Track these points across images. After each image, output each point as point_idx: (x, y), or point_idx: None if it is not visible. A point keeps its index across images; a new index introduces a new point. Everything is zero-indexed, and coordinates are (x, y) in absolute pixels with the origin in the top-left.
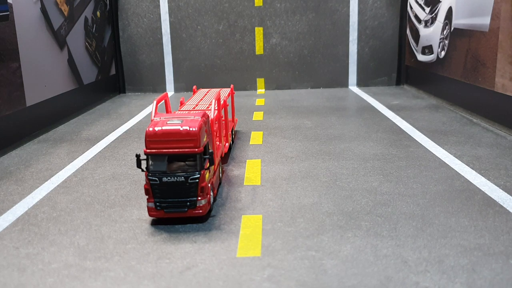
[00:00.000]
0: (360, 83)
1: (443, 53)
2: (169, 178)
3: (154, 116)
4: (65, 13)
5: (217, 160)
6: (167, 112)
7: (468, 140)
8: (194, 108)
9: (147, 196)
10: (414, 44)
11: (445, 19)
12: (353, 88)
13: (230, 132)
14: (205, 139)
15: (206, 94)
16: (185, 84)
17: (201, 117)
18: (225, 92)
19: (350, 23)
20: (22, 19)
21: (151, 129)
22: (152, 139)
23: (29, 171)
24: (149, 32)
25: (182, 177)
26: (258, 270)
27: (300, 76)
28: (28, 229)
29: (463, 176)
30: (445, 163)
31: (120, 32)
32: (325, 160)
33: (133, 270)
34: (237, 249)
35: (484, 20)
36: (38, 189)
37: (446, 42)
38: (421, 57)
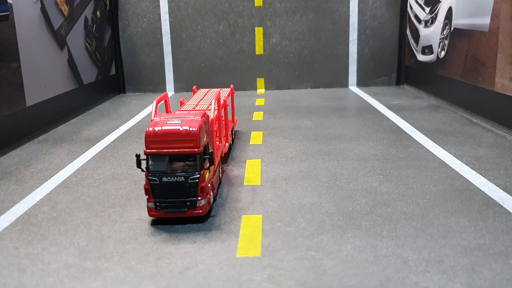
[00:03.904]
0: (360, 83)
1: (443, 53)
2: (169, 178)
3: (154, 116)
4: (65, 13)
5: (217, 160)
6: (167, 112)
7: (468, 140)
8: (194, 108)
9: (147, 196)
10: (414, 44)
11: (445, 19)
12: (353, 88)
13: (230, 132)
14: (205, 139)
15: (206, 94)
16: (185, 84)
17: (201, 117)
18: (225, 92)
19: (350, 23)
20: (22, 19)
21: (151, 129)
22: (152, 139)
23: (29, 171)
24: (149, 32)
25: (182, 177)
26: (258, 270)
27: (300, 76)
28: (28, 229)
29: (463, 176)
30: (445, 163)
31: (120, 32)
32: (325, 160)
33: (133, 270)
34: (237, 249)
35: (484, 20)
36: (38, 189)
37: (446, 42)
38: (421, 57)
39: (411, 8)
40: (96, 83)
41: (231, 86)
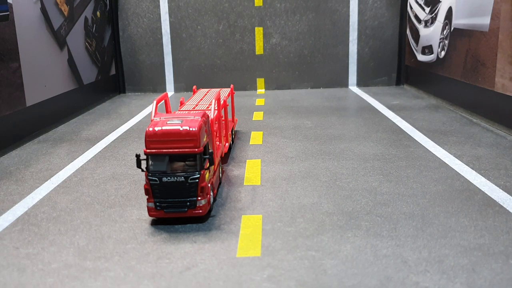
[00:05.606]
0: (360, 83)
1: (443, 53)
2: (169, 178)
3: (154, 116)
4: (65, 13)
5: (217, 160)
6: (167, 112)
7: (468, 140)
8: (194, 108)
9: (147, 196)
10: (414, 44)
11: (445, 19)
12: (353, 88)
13: (230, 132)
14: (205, 139)
15: (206, 94)
16: (185, 84)
17: (201, 117)
18: (225, 92)
19: (350, 23)
20: (22, 19)
21: (151, 129)
22: (152, 139)
23: (29, 171)
24: (149, 32)
25: (182, 177)
26: (258, 270)
27: (300, 76)
28: (28, 229)
29: (463, 176)
30: (445, 163)
31: (120, 32)
32: (325, 160)
33: (133, 270)
34: (237, 249)
35: (484, 20)
36: (38, 189)
37: (446, 42)
38: (421, 57)
39: (411, 8)
40: (96, 83)
41: (231, 86)
